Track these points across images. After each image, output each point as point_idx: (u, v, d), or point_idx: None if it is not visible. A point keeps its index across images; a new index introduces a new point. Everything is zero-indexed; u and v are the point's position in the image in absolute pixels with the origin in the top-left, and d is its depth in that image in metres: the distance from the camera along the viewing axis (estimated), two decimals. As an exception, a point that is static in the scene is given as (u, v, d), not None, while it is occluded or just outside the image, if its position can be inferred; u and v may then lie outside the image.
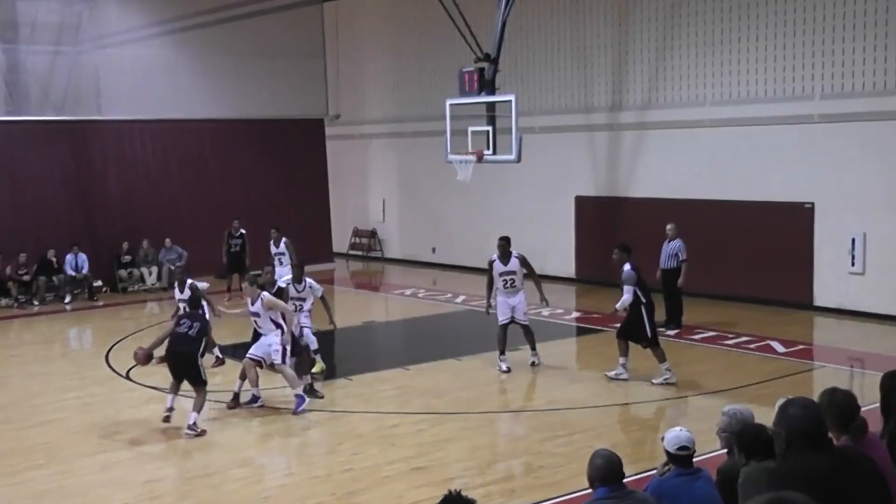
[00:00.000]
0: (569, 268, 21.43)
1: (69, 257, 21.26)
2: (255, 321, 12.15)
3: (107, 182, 22.83)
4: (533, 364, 13.84)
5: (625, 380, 12.83)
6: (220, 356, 14.27)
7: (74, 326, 19.64)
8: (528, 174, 20.81)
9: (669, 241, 16.08)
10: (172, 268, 21.99)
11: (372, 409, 11.86)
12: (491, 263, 13.87)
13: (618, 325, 13.55)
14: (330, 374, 13.89)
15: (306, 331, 13.30)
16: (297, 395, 11.83)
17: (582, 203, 21.49)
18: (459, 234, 24.14)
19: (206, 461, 10.28)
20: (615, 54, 20.66)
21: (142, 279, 22.38)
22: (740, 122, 18.37)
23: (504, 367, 13.76)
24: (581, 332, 16.93)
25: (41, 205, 21.77)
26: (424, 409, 11.79)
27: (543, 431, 10.87)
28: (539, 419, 11.59)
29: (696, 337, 15.71)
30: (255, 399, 12.06)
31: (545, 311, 16.92)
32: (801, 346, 15.05)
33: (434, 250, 25.19)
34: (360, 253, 27.45)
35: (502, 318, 13.82)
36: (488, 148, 15.64)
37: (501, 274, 13.74)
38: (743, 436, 5.43)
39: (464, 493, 4.35)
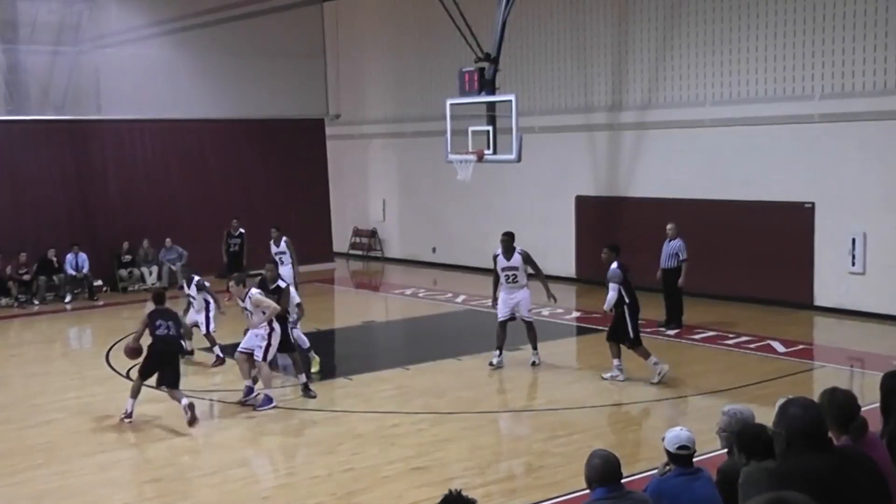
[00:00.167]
0: (569, 267, 21.43)
1: (69, 257, 21.27)
2: (248, 315, 12.42)
3: (107, 182, 22.84)
4: (533, 364, 13.84)
5: (621, 381, 12.84)
6: (221, 355, 14.27)
7: (75, 326, 19.65)
8: (528, 174, 20.82)
9: (670, 241, 16.08)
10: (173, 268, 22.10)
11: (372, 408, 11.86)
12: (495, 258, 13.94)
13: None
14: (330, 373, 13.90)
15: (296, 332, 13.38)
16: (265, 395, 11.96)
17: (582, 203, 21.49)
18: (460, 234, 24.13)
19: (206, 461, 10.28)
20: (615, 54, 20.66)
21: (142, 279, 22.38)
22: (740, 122, 18.37)
23: (494, 362, 13.86)
24: (581, 331, 16.93)
25: (41, 204, 21.77)
26: (424, 408, 11.79)
27: (544, 431, 10.87)
28: (539, 419, 11.59)
29: (697, 337, 15.71)
30: (249, 391, 12.13)
31: (545, 311, 16.96)
32: (801, 346, 15.05)
33: (434, 250, 25.19)
34: (360, 253, 27.45)
35: (501, 315, 13.90)
36: (488, 148, 15.65)
37: (504, 269, 13.79)
38: (743, 436, 5.43)
39: (464, 493, 4.35)
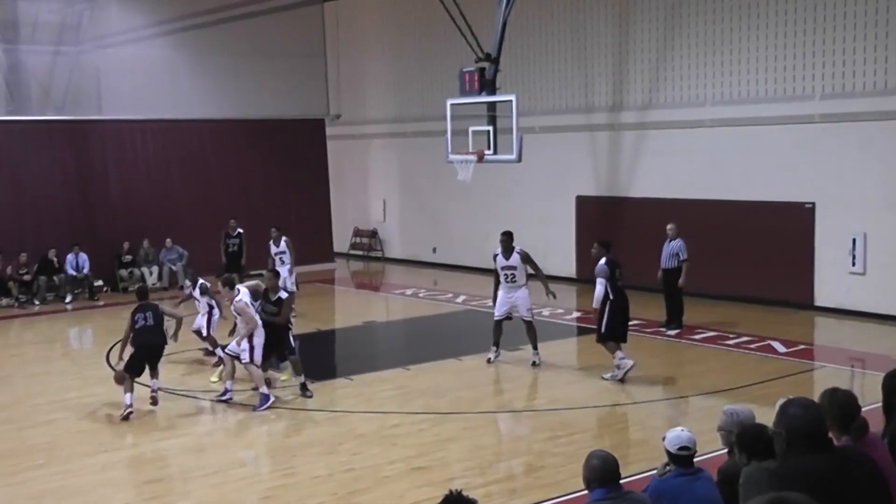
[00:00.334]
0: (569, 267, 21.43)
1: (70, 257, 21.28)
2: (236, 318, 12.59)
3: (107, 182, 22.84)
4: (534, 364, 13.85)
5: (621, 380, 12.84)
6: (221, 356, 14.25)
7: (75, 326, 19.66)
8: (528, 174, 20.82)
9: (670, 241, 16.07)
10: (174, 268, 22.11)
11: (373, 408, 11.86)
12: (495, 257, 14.01)
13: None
14: (330, 373, 13.91)
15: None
16: (262, 394, 11.99)
17: (582, 203, 21.49)
18: (460, 234, 24.13)
19: (207, 461, 10.28)
20: (616, 54, 20.66)
21: (142, 279, 22.34)
22: (741, 122, 18.37)
23: (491, 358, 13.99)
24: (582, 331, 16.90)
25: (42, 204, 21.77)
26: (425, 408, 11.79)
27: (544, 431, 10.88)
28: (540, 419, 11.59)
29: (697, 337, 15.71)
30: (225, 392, 12.20)
31: (546, 311, 16.97)
32: (801, 346, 15.05)
33: (435, 250, 25.19)
34: (360, 253, 27.45)
35: (497, 313, 14.00)
36: (489, 148, 15.65)
37: (503, 268, 13.86)
38: (744, 436, 5.43)
39: (465, 493, 4.35)
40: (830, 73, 17.05)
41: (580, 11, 21.21)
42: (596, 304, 12.88)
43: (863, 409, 5.12)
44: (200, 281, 14.53)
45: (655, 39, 19.88)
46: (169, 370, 13.91)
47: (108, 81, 23.08)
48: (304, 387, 12.48)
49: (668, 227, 16.14)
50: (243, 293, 12.38)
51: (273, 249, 17.88)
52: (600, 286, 12.76)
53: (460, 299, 20.02)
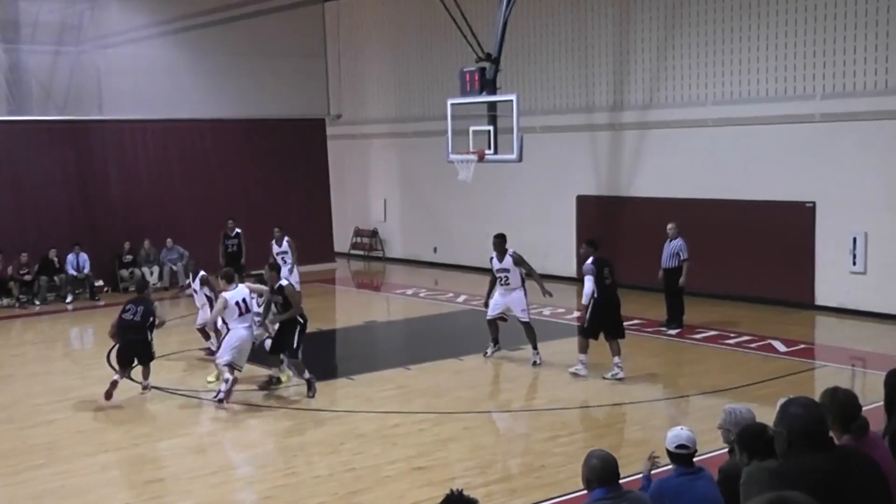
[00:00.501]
0: (570, 267, 21.41)
1: (70, 257, 21.27)
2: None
3: (108, 182, 22.83)
4: (534, 363, 13.86)
5: (620, 379, 12.84)
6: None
7: (76, 326, 19.65)
8: (529, 174, 20.82)
9: (671, 241, 16.07)
10: (174, 268, 22.11)
11: (373, 408, 11.86)
12: (490, 260, 14.09)
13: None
14: (331, 373, 13.90)
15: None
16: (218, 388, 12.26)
17: (583, 202, 21.48)
18: (461, 234, 24.13)
19: (207, 461, 10.28)
20: (616, 54, 20.65)
21: (143, 279, 22.33)
22: (741, 122, 18.37)
23: (488, 353, 14.22)
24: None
25: (42, 204, 21.77)
26: (426, 408, 11.79)
27: (544, 431, 10.88)
28: (540, 419, 11.59)
29: (698, 336, 15.70)
30: (219, 392, 12.19)
31: (546, 311, 16.96)
32: (802, 346, 15.05)
33: (435, 250, 25.19)
34: (361, 253, 27.45)
35: (490, 313, 14.21)
36: (489, 147, 15.64)
37: (497, 271, 14.01)
38: (744, 435, 5.42)
39: (465, 493, 4.35)
40: (831, 72, 17.05)
41: (581, 11, 21.21)
42: (585, 300, 13.04)
43: (863, 409, 5.12)
44: (201, 272, 14.55)
45: (656, 39, 19.88)
46: (169, 370, 13.94)
47: (108, 81, 23.09)
48: (309, 385, 12.37)
49: (669, 226, 16.13)
50: (237, 291, 12.40)
51: (275, 249, 17.88)
52: (589, 283, 12.91)
53: (461, 299, 20.02)
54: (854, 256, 16.96)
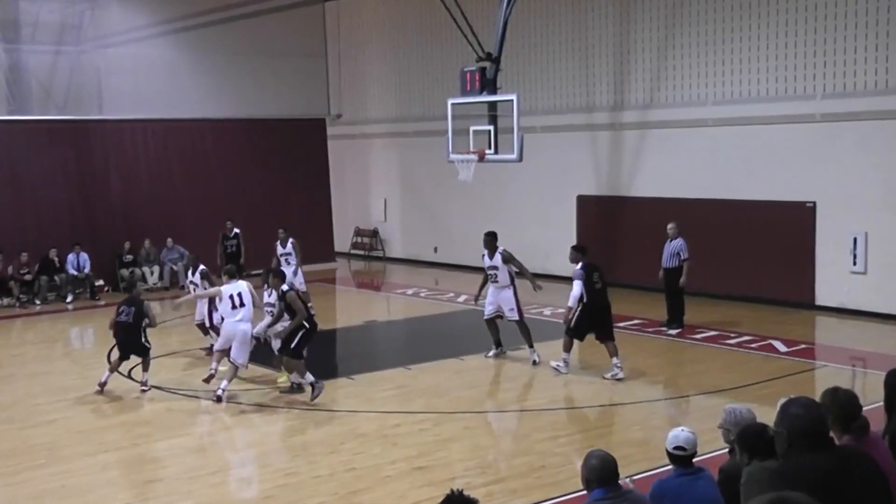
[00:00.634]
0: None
1: (71, 257, 21.27)
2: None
3: (108, 181, 22.84)
4: (534, 363, 13.86)
5: (620, 379, 12.84)
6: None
7: (76, 326, 19.65)
8: (529, 173, 20.81)
9: (671, 241, 16.06)
10: (175, 268, 22.11)
11: (374, 408, 11.85)
12: (482, 257, 14.26)
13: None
14: (332, 373, 13.89)
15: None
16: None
17: (583, 202, 21.48)
18: (461, 234, 24.11)
19: (207, 461, 10.28)
20: (617, 53, 20.65)
21: (143, 279, 22.36)
22: (742, 122, 18.36)
23: (490, 354, 14.31)
24: (582, 331, 16.90)
25: (43, 204, 21.77)
26: (426, 408, 11.79)
27: (545, 431, 10.87)
28: (540, 418, 11.58)
29: (698, 336, 15.70)
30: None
31: (547, 311, 16.96)
32: (802, 346, 15.04)
33: (436, 250, 25.18)
34: (361, 252, 27.45)
35: (486, 312, 14.33)
36: (490, 147, 15.65)
37: (487, 268, 14.18)
38: (745, 435, 5.42)
39: (466, 493, 4.35)
40: (831, 72, 17.04)
41: (581, 11, 21.21)
42: (571, 303, 13.15)
43: (864, 409, 5.12)
44: (201, 266, 14.57)
45: (656, 39, 19.87)
46: (169, 369, 13.95)
47: (108, 81, 23.09)
48: (312, 386, 12.19)
49: (669, 226, 16.13)
50: (234, 285, 12.55)
51: (279, 250, 17.87)
52: (578, 288, 13.06)
53: (461, 299, 20.01)
54: (854, 256, 16.95)
